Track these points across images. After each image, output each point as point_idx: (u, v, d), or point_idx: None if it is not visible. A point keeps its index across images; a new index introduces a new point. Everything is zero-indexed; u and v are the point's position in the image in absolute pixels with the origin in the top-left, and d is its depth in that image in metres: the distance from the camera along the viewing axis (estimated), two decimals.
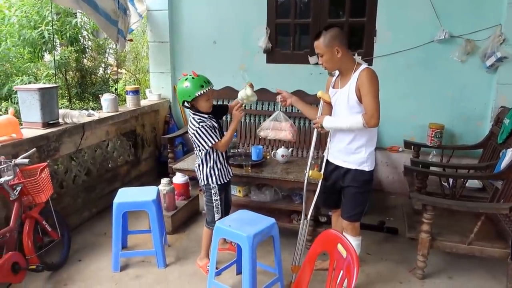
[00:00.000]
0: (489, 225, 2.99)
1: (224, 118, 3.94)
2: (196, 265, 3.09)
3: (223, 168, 2.91)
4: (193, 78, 2.69)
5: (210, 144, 2.75)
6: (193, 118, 2.80)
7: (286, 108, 4.03)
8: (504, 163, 3.19)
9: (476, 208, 2.83)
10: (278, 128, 2.99)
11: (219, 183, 2.88)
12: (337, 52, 2.45)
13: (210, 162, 2.86)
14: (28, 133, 3.18)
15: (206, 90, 2.68)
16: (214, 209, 2.92)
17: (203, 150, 2.82)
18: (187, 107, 2.79)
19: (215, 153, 2.86)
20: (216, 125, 2.84)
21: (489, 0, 4.03)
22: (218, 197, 2.90)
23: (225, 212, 2.99)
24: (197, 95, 2.66)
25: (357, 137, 2.54)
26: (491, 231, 2.95)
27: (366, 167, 2.58)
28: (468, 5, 4.09)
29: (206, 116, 2.81)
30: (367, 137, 2.55)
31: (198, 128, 2.74)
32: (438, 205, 2.79)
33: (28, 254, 2.68)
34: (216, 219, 2.90)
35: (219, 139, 2.78)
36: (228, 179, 2.96)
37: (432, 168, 3.78)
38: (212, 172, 2.87)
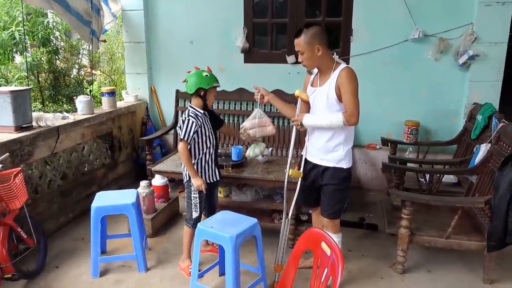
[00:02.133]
0: (466, 219, 3.07)
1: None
2: (178, 267, 3.05)
3: (208, 169, 2.93)
4: (210, 72, 2.88)
5: (181, 137, 2.79)
6: (189, 109, 2.86)
7: (264, 107, 4.05)
8: (478, 158, 3.28)
9: (453, 202, 2.90)
10: (263, 124, 2.98)
11: None
12: (317, 50, 2.47)
13: (193, 159, 2.87)
14: (0, 137, 3.07)
15: (218, 85, 2.88)
16: (192, 206, 2.92)
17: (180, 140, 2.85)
18: (197, 95, 2.83)
19: (201, 152, 2.87)
20: (206, 124, 2.87)
21: None
22: (197, 195, 2.90)
23: (209, 213, 3.01)
24: (214, 85, 2.83)
25: (335, 135, 2.56)
26: (468, 225, 3.02)
27: (344, 165, 2.60)
28: (440, 4, 4.19)
29: (202, 112, 2.86)
30: (345, 135, 2.57)
31: (187, 118, 2.79)
32: (417, 201, 2.84)
33: (2, 262, 2.59)
34: (193, 217, 2.92)
35: (188, 141, 2.79)
36: (211, 181, 2.97)
37: (409, 165, 3.86)
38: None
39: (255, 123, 2.93)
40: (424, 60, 4.31)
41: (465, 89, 4.29)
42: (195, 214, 2.93)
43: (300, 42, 2.50)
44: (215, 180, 3.00)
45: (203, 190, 2.85)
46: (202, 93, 2.81)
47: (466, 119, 4.13)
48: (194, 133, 2.79)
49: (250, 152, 3.15)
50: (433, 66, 4.32)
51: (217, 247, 3.15)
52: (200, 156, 2.89)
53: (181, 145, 2.81)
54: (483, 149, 3.27)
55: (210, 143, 2.91)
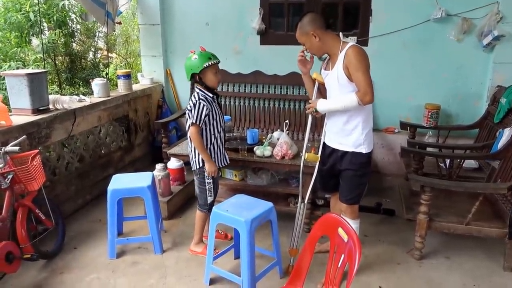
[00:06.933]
0: (486, 205, 2.99)
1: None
2: (190, 252, 3.06)
3: (220, 154, 2.92)
4: (200, 52, 2.73)
5: (193, 121, 2.70)
6: (197, 92, 2.75)
7: (280, 90, 3.98)
8: (501, 143, 3.18)
9: (474, 188, 2.82)
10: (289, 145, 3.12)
11: None
12: (314, 37, 2.43)
13: (205, 145, 2.83)
14: (18, 120, 3.10)
15: (214, 62, 2.70)
16: (207, 192, 2.90)
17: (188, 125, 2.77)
18: (195, 82, 2.76)
19: (213, 136, 2.83)
20: (216, 108, 2.82)
21: None
22: (211, 180, 2.88)
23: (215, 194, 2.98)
24: (204, 66, 2.67)
25: (352, 117, 2.49)
26: (488, 211, 2.95)
27: (363, 149, 2.53)
28: None
29: (211, 95, 2.78)
30: (363, 117, 2.49)
31: (198, 101, 2.69)
32: (436, 186, 2.77)
33: (22, 243, 2.64)
34: (208, 202, 2.91)
35: (200, 125, 2.73)
36: (223, 165, 2.97)
37: (428, 149, 3.77)
38: None
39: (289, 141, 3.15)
40: (446, 41, 4.17)
41: (488, 71, 4.14)
42: (210, 199, 2.92)
43: (297, 35, 2.50)
44: (226, 164, 2.99)
45: (214, 175, 2.84)
46: (197, 77, 2.73)
47: (489, 102, 4.00)
48: (205, 116, 2.72)
49: (258, 151, 3.26)
50: (455, 47, 4.17)
51: (222, 233, 3.18)
52: (213, 141, 2.85)
53: (192, 130, 2.73)
54: (506, 133, 3.17)
55: (220, 127, 2.87)
